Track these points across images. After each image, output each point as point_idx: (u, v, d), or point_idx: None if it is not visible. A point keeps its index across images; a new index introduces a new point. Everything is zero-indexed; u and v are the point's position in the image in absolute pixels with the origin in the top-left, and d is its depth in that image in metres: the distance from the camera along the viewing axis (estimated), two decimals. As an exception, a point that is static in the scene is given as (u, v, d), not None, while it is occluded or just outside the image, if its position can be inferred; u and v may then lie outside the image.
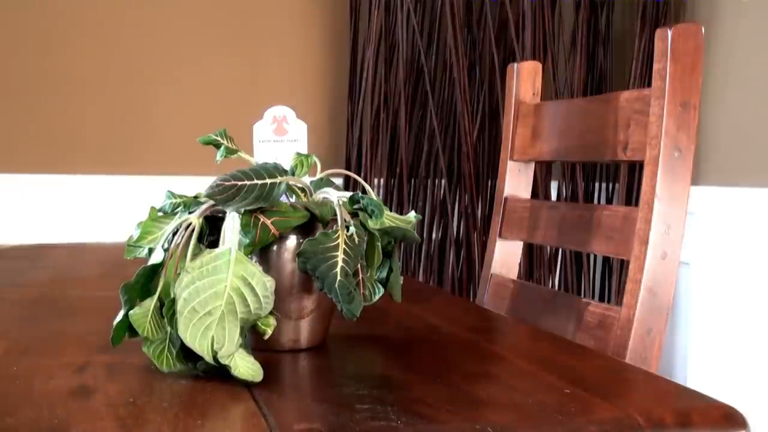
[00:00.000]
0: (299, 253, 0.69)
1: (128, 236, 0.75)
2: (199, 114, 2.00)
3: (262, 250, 0.71)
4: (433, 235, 2.07)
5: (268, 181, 0.69)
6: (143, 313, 0.66)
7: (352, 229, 0.70)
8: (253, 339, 0.74)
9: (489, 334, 0.90)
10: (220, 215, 0.71)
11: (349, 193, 0.75)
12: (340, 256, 0.69)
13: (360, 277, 0.72)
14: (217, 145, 0.77)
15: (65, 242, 1.79)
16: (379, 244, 0.74)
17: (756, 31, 1.83)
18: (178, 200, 0.74)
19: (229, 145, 0.77)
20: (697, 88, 0.94)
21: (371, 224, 0.73)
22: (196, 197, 0.74)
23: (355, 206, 0.74)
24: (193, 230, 0.69)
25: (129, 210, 1.91)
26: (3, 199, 1.86)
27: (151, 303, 0.67)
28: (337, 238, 0.69)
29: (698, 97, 0.94)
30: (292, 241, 0.72)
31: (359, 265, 0.71)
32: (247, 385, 0.63)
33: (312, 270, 0.68)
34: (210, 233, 0.71)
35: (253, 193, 0.68)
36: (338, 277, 0.68)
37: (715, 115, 1.92)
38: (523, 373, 0.70)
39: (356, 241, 0.70)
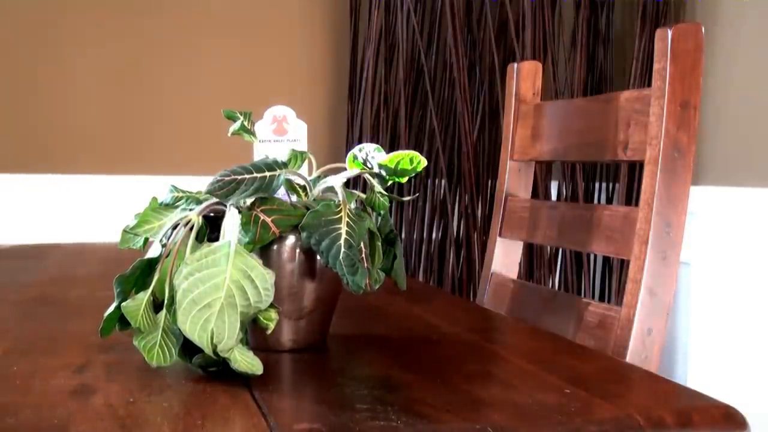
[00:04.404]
0: (302, 227, 0.69)
1: (125, 225, 0.75)
2: (199, 114, 2.00)
3: (262, 249, 0.71)
4: (433, 235, 2.07)
5: (267, 174, 0.70)
6: (136, 305, 0.66)
7: (355, 208, 0.71)
8: (253, 339, 0.74)
9: (489, 334, 0.90)
10: (221, 215, 0.71)
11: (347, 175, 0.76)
12: (344, 228, 0.69)
13: (365, 266, 0.72)
14: (236, 120, 0.78)
15: (65, 242, 1.79)
16: (380, 243, 0.74)
17: (756, 31, 1.83)
18: (181, 194, 0.74)
19: (246, 125, 0.78)
20: (697, 88, 0.94)
21: (377, 162, 0.73)
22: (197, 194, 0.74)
23: (355, 160, 0.75)
24: (192, 228, 0.69)
25: (129, 210, 1.91)
26: (3, 199, 1.86)
27: (144, 296, 0.67)
28: (340, 210, 0.69)
29: (698, 97, 0.94)
30: (292, 241, 0.72)
31: (363, 255, 0.71)
32: (247, 385, 0.63)
33: (316, 244, 0.68)
34: (210, 232, 0.71)
35: (253, 185, 0.69)
36: (342, 249, 0.68)
37: (715, 115, 1.92)
38: (523, 373, 0.70)
39: (359, 216, 0.70)
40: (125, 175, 1.95)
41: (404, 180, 0.76)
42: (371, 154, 0.74)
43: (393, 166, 0.74)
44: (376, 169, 0.75)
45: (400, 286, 0.78)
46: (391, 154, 0.74)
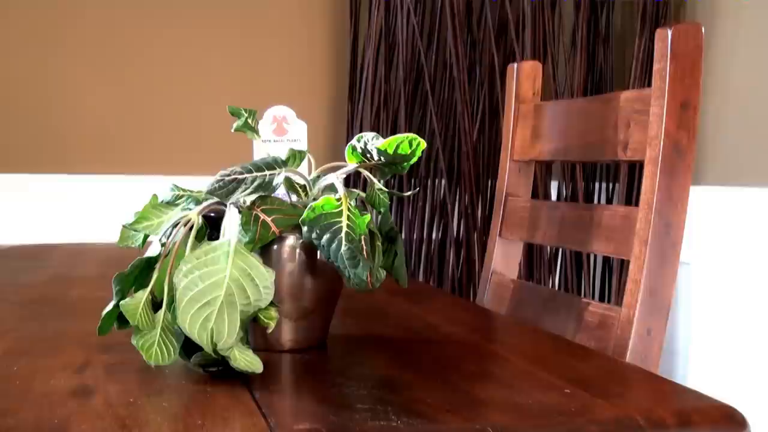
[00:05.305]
0: (302, 221, 0.69)
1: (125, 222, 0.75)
2: (199, 114, 2.00)
3: (262, 249, 0.71)
4: (433, 235, 2.07)
5: (267, 173, 0.70)
6: (135, 303, 0.66)
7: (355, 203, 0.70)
8: (254, 339, 0.74)
9: (489, 334, 0.90)
10: (221, 215, 0.71)
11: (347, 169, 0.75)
12: (344, 222, 0.69)
13: (366, 260, 0.71)
14: (240, 117, 0.78)
15: (65, 242, 1.79)
16: (380, 243, 0.74)
17: (756, 31, 1.83)
18: (181, 192, 0.74)
19: (250, 122, 0.78)
20: (697, 88, 0.94)
21: (375, 147, 0.72)
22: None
23: (354, 152, 0.74)
24: (191, 227, 0.69)
25: (129, 210, 1.91)
26: (3, 199, 1.86)
27: (143, 295, 0.67)
28: (340, 205, 0.69)
29: (698, 97, 0.94)
30: (292, 240, 0.72)
31: (365, 252, 0.71)
32: (247, 385, 0.63)
33: (317, 239, 0.68)
34: (210, 233, 0.71)
35: (254, 184, 0.69)
36: (343, 242, 0.68)
37: (715, 115, 1.92)
38: (523, 373, 0.70)
39: (360, 210, 0.70)
40: (125, 175, 1.95)
41: (404, 170, 0.76)
42: (370, 142, 0.74)
43: (392, 151, 0.73)
44: (375, 156, 0.74)
45: (401, 284, 0.78)
46: (390, 138, 0.73)
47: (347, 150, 0.75)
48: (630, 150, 0.99)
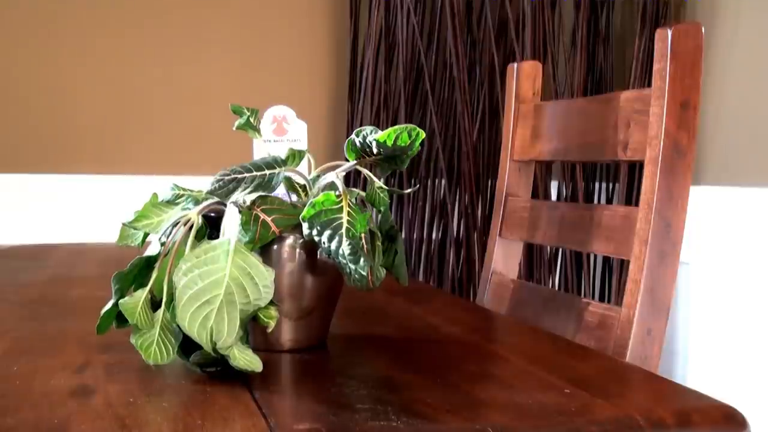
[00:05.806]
0: (303, 218, 0.68)
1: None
2: (199, 114, 2.00)
3: (262, 249, 0.71)
4: (433, 235, 2.07)
5: (267, 172, 0.70)
6: (134, 302, 0.66)
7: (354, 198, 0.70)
8: (253, 338, 0.74)
9: (489, 334, 0.90)
10: (221, 215, 0.71)
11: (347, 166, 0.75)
12: (345, 218, 0.68)
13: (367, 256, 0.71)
14: (242, 115, 0.78)
15: (65, 242, 1.79)
16: (380, 243, 0.74)
17: (756, 31, 1.83)
18: (182, 192, 0.74)
19: (252, 121, 0.78)
20: (697, 88, 0.94)
21: (374, 140, 0.72)
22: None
23: (353, 148, 0.74)
24: (191, 227, 0.69)
25: (129, 210, 1.91)
26: (3, 199, 1.86)
27: (142, 294, 0.67)
28: (341, 201, 0.69)
29: (698, 96, 0.94)
30: (292, 240, 0.72)
31: (365, 250, 0.70)
32: (247, 385, 0.63)
33: (318, 235, 0.68)
34: (210, 232, 0.71)
35: (254, 182, 0.69)
36: (344, 238, 0.67)
37: (715, 115, 1.92)
38: (523, 373, 0.70)
39: (360, 209, 0.70)
40: (125, 175, 1.95)
41: (404, 165, 0.75)
42: (369, 136, 0.73)
43: (391, 143, 0.73)
44: (374, 149, 0.73)
45: (402, 282, 0.78)
46: (389, 129, 0.72)
47: (346, 145, 0.75)
48: (630, 150, 0.99)
